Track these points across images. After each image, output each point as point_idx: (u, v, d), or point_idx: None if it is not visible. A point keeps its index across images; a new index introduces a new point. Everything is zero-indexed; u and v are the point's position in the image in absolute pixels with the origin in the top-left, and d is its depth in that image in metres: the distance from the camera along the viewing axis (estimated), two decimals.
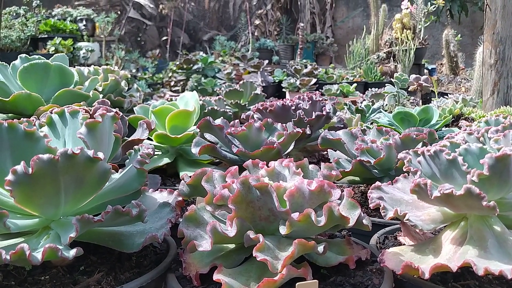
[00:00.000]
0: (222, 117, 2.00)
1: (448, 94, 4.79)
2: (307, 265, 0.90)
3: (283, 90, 5.38)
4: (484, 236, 0.92)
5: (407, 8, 6.74)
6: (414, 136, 1.42)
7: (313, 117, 1.83)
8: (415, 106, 2.91)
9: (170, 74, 7.17)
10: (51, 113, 1.03)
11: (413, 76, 3.04)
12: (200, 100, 2.33)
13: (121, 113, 1.38)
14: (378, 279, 0.95)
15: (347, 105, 3.23)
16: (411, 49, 5.78)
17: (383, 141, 1.48)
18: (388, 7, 10.03)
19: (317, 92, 2.58)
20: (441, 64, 6.81)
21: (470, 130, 1.07)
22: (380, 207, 0.99)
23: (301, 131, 1.43)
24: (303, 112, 1.85)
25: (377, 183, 1.07)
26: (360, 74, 5.91)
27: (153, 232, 0.89)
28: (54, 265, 0.93)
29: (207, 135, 1.53)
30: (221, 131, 1.42)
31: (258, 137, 1.42)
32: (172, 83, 6.78)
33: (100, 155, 0.82)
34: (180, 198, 1.06)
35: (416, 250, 0.98)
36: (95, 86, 1.75)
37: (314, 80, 5.32)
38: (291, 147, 1.49)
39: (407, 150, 1.06)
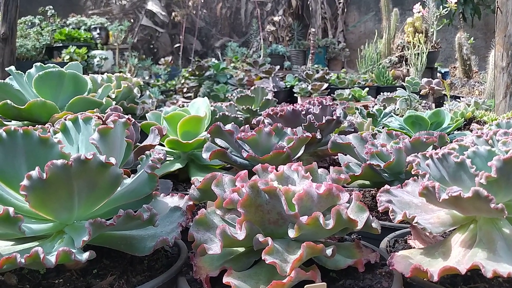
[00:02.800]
0: (233, 123, 2.02)
1: (461, 98, 4.76)
2: (315, 268, 0.91)
3: (295, 95, 5.39)
4: (493, 238, 0.92)
5: (419, 12, 6.72)
6: (424, 139, 1.42)
7: (323, 121, 1.84)
8: (427, 109, 2.90)
9: (182, 81, 7.23)
10: (65, 120, 1.06)
11: (424, 79, 3.04)
12: (211, 106, 2.35)
13: (133, 120, 1.41)
14: (387, 282, 0.95)
15: (358, 110, 3.24)
16: (423, 52, 5.75)
17: (393, 144, 1.48)
18: (400, 11, 10.01)
19: (327, 96, 2.59)
20: (454, 67, 6.76)
21: (479, 132, 1.07)
22: (389, 210, 0.99)
23: (311, 136, 1.44)
24: (313, 117, 1.85)
25: (386, 186, 1.08)
26: (372, 79, 5.90)
27: (164, 236, 0.91)
28: (68, 269, 0.95)
29: (217, 141, 1.55)
30: (232, 136, 1.43)
31: (268, 142, 1.43)
32: (185, 90, 6.84)
33: (112, 160, 0.84)
34: (190, 202, 1.08)
35: (426, 253, 0.98)
36: (108, 93, 1.78)
37: (325, 85, 5.33)
38: (301, 151, 1.50)
39: (416, 153, 1.06)
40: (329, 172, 1.14)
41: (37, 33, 6.64)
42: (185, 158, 1.79)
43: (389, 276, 0.97)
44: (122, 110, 1.43)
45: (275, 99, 3.60)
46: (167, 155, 1.83)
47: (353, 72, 8.23)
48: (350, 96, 5.23)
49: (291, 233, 0.90)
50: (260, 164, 1.13)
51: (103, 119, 1.15)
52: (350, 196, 0.99)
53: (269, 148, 1.41)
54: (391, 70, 6.11)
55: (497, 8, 2.67)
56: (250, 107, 3.36)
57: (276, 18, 11.37)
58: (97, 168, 0.83)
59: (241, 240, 0.89)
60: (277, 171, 1.08)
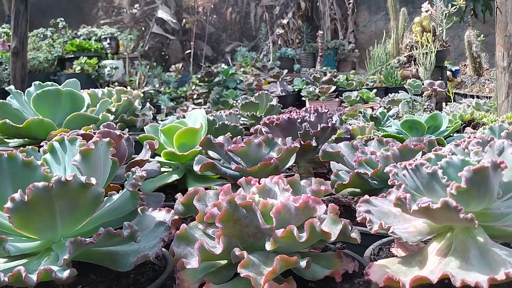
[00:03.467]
0: (229, 133, 2.06)
1: (472, 96, 4.72)
2: (291, 280, 0.94)
3: (303, 99, 5.41)
4: (467, 247, 0.93)
5: (427, 11, 6.68)
6: (412, 146, 1.43)
7: (318, 129, 1.86)
8: (430, 111, 2.90)
9: (193, 87, 7.31)
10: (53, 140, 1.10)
11: (426, 81, 3.03)
12: (211, 115, 2.40)
13: (126, 135, 1.45)
14: None
15: (361, 113, 3.24)
16: (431, 52, 5.72)
17: (383, 152, 1.50)
18: (411, 9, 9.94)
19: (335, 99, 2.61)
20: (465, 65, 6.70)
21: (458, 141, 1.09)
22: (366, 221, 1.01)
23: (299, 146, 1.46)
24: (308, 125, 1.88)
25: (366, 196, 1.10)
26: (380, 80, 5.89)
27: (145, 252, 0.94)
28: (57, 284, 0.99)
29: (210, 152, 1.58)
30: (222, 148, 1.46)
31: (258, 153, 1.46)
32: (195, 96, 6.92)
33: (93, 180, 0.88)
34: (176, 217, 1.11)
35: (403, 262, 1.00)
36: (106, 108, 1.83)
37: (333, 88, 5.33)
38: (291, 161, 1.52)
39: (395, 163, 1.08)
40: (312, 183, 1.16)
41: (49, 45, 6.78)
42: (183, 169, 1.83)
43: (367, 286, 0.99)
44: (115, 126, 1.47)
45: (279, 104, 3.63)
46: (166, 167, 1.87)
47: (364, 72, 8.20)
48: (358, 98, 5.22)
49: (268, 246, 0.93)
50: (244, 177, 1.16)
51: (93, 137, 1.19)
52: (327, 208, 1.01)
53: (259, 159, 1.44)
54: (399, 70, 6.08)
55: (496, 8, 2.66)
56: (254, 114, 3.39)
57: (284, 21, 11.40)
58: (78, 189, 0.87)
59: (218, 254, 0.92)
60: (259, 184, 1.11)
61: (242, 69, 8.12)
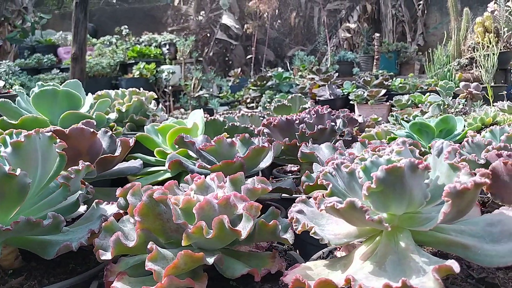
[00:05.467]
0: (240, 133, 2.06)
1: None
2: (203, 276, 0.93)
3: (351, 102, 5.29)
4: (386, 252, 0.88)
5: (493, 11, 6.29)
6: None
7: (315, 130, 1.83)
8: (463, 115, 2.73)
9: (249, 91, 7.39)
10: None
11: (462, 83, 2.86)
12: (221, 116, 2.42)
13: (109, 132, 1.51)
14: None
15: (393, 116, 3.13)
16: (493, 53, 5.38)
17: (363, 154, 1.44)
18: (481, 8, 9.39)
19: (385, 103, 2.53)
20: None
21: (399, 141, 1.03)
22: (293, 221, 0.98)
23: (266, 146, 1.44)
24: (305, 126, 1.85)
25: (303, 197, 1.07)
26: (436, 83, 5.61)
27: (68, 242, 0.98)
28: (3, 269, 1.06)
29: (189, 151, 1.60)
30: (193, 146, 1.48)
31: (229, 152, 1.46)
32: (248, 100, 6.98)
33: (17, 171, 0.93)
34: (120, 211, 1.14)
35: (329, 265, 0.96)
36: (106, 108, 1.91)
37: (383, 91, 5.17)
38: (265, 162, 1.50)
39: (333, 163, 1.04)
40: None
41: (112, 51, 7.14)
42: (177, 168, 1.86)
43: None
44: (94, 123, 1.54)
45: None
46: (161, 165, 1.91)
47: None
48: (409, 102, 5.02)
49: (183, 242, 0.93)
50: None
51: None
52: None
53: (230, 158, 1.44)
54: (459, 73, 5.77)
55: None
56: None
57: (352, 25, 11.21)
58: (2, 178, 0.92)
59: (131, 247, 0.94)
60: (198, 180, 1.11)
61: (299, 73, 8.10)
